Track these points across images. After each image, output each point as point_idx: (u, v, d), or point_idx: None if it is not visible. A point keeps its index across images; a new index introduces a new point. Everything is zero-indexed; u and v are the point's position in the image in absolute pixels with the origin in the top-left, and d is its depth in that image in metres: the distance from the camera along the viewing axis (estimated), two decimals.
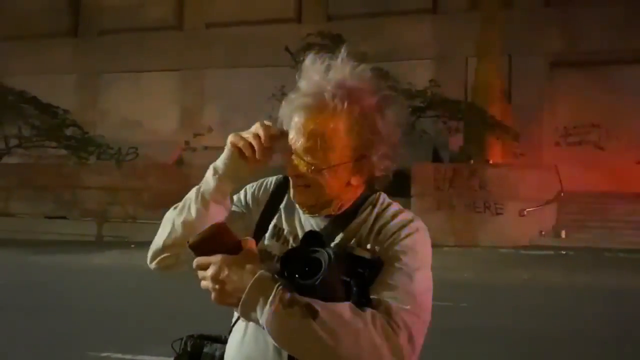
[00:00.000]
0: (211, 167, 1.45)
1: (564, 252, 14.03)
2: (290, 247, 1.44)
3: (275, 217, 1.53)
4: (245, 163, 1.41)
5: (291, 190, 1.45)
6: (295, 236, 1.47)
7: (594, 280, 10.65)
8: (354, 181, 1.42)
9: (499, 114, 17.24)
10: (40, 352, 5.77)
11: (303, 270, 1.19)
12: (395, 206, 1.46)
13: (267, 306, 1.17)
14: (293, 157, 1.38)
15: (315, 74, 1.38)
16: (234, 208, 1.54)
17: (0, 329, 6.54)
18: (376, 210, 1.44)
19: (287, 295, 1.17)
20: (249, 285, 1.19)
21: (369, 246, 1.38)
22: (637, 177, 17.49)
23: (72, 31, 24.07)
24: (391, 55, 18.05)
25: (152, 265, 1.50)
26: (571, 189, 16.31)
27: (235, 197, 1.57)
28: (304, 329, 1.16)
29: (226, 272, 1.21)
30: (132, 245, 13.91)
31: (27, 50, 22.99)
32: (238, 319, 1.45)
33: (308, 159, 1.36)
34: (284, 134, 1.39)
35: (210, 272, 1.22)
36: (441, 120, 17.69)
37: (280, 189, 1.54)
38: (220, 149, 1.45)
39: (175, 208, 1.48)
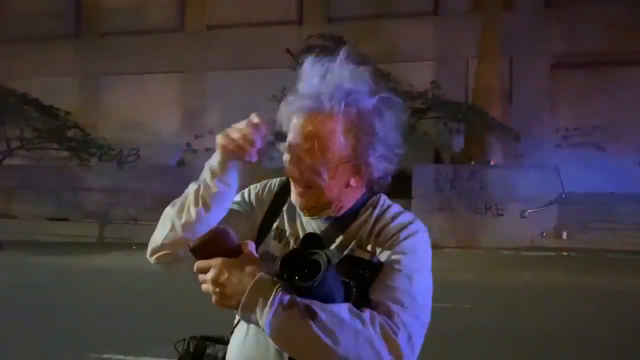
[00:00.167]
0: (207, 167, 1.45)
1: (565, 254, 13.99)
2: (291, 248, 1.44)
3: (278, 219, 1.53)
4: (239, 164, 1.42)
5: (292, 192, 1.46)
6: (297, 238, 1.47)
7: (595, 282, 10.63)
8: (353, 182, 1.42)
9: (500, 115, 17.23)
10: (42, 353, 5.78)
11: (302, 272, 1.19)
12: (396, 207, 1.47)
13: (267, 308, 1.18)
14: (292, 158, 1.39)
15: (314, 76, 1.39)
16: (237, 208, 1.54)
17: (2, 330, 6.55)
18: (376, 211, 1.45)
19: (287, 297, 1.18)
20: (249, 287, 1.20)
21: (369, 247, 1.38)
22: (638, 178, 17.46)
23: (74, 33, 24.05)
24: (392, 57, 18.07)
25: (152, 260, 1.51)
26: (572, 190, 16.30)
27: (238, 197, 1.57)
28: (304, 330, 1.17)
29: (226, 275, 1.21)
30: (134, 247, 13.90)
31: (29, 52, 22.97)
32: (240, 320, 1.46)
33: (307, 160, 1.37)
34: (270, 121, 1.39)
35: (210, 275, 1.22)
36: (442, 121, 17.70)
37: (284, 191, 1.55)
38: None
39: (174, 205, 1.48)
